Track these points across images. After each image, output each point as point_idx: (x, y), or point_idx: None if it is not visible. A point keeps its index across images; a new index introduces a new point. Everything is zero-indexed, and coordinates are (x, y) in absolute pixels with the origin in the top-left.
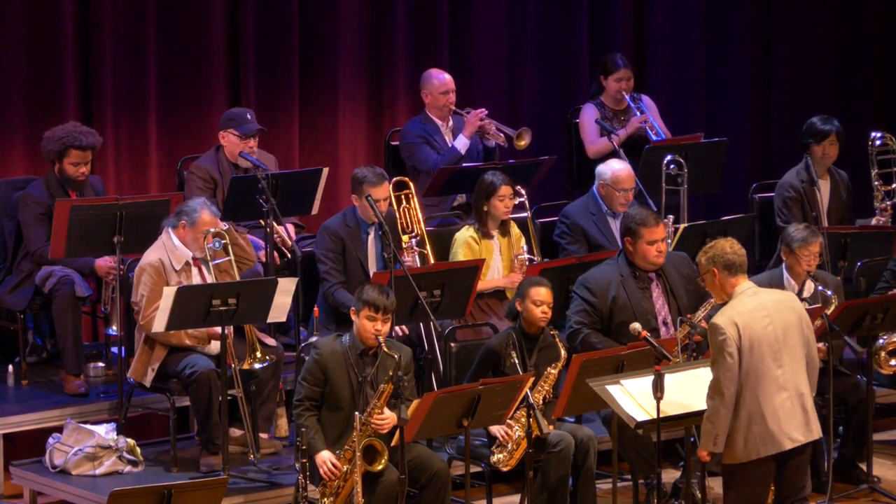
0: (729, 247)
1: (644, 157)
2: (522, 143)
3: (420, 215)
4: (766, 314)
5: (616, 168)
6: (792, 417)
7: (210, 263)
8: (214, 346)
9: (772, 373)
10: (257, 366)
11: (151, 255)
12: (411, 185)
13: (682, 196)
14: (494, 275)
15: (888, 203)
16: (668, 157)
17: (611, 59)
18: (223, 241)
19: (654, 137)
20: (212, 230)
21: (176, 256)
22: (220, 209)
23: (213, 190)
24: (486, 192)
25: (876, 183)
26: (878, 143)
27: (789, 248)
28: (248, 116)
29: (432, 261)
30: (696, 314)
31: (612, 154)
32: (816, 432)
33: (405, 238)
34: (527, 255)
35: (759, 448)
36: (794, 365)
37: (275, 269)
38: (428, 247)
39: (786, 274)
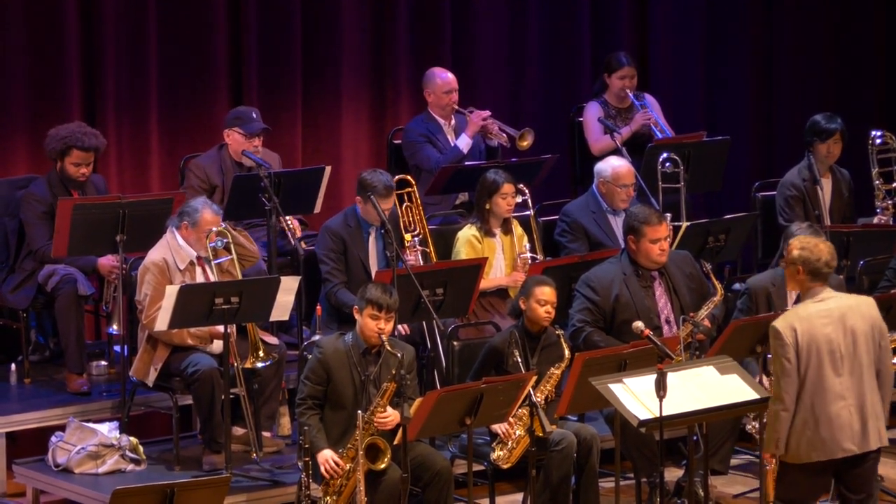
0: (826, 256)
1: (646, 155)
2: (525, 143)
3: (422, 214)
4: (829, 320)
5: (616, 165)
6: (847, 427)
7: (212, 262)
8: (216, 346)
9: (830, 380)
10: (259, 364)
11: (155, 255)
12: (413, 183)
13: (680, 194)
14: (497, 273)
15: (889, 202)
16: (664, 156)
17: (614, 57)
18: (225, 240)
19: (659, 135)
20: (214, 229)
21: (180, 256)
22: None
23: (208, 191)
24: (489, 190)
25: (877, 182)
26: (878, 141)
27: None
28: (254, 115)
29: (435, 259)
30: (699, 313)
31: (616, 152)
32: (875, 442)
33: (407, 237)
34: (529, 254)
35: (811, 453)
36: (858, 373)
37: (277, 267)
38: (430, 245)
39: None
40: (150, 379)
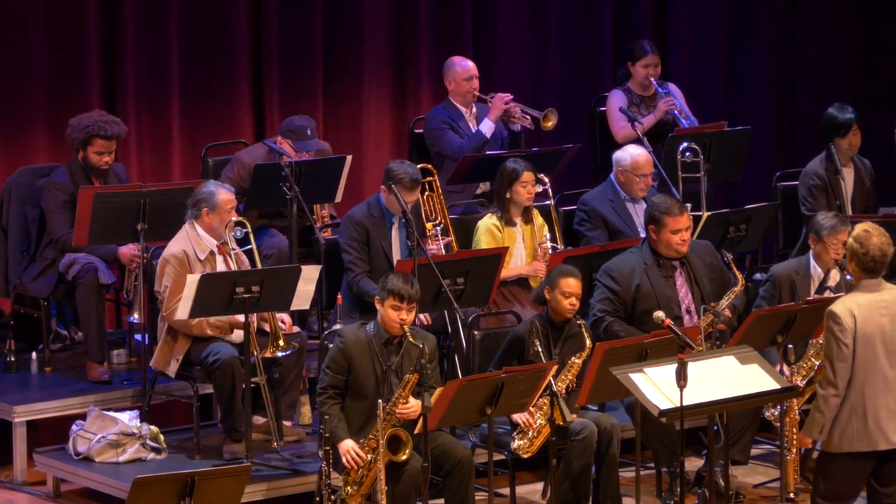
0: (874, 250)
1: (667, 144)
2: (549, 123)
3: (444, 203)
4: (886, 311)
5: (634, 153)
6: (893, 419)
7: (233, 252)
8: (237, 336)
9: (883, 371)
10: (280, 354)
11: (175, 247)
12: (435, 172)
13: (700, 184)
14: (517, 262)
15: None
16: (684, 145)
17: (638, 46)
18: (245, 230)
19: (685, 122)
20: (234, 219)
21: (200, 246)
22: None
23: (236, 189)
24: (509, 178)
25: None
26: None
27: (818, 235)
28: (309, 133)
29: (456, 248)
30: (720, 303)
31: (639, 140)
32: None
33: (429, 226)
34: (550, 244)
35: (854, 443)
36: None
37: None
38: (452, 234)
39: (812, 262)
40: (172, 370)
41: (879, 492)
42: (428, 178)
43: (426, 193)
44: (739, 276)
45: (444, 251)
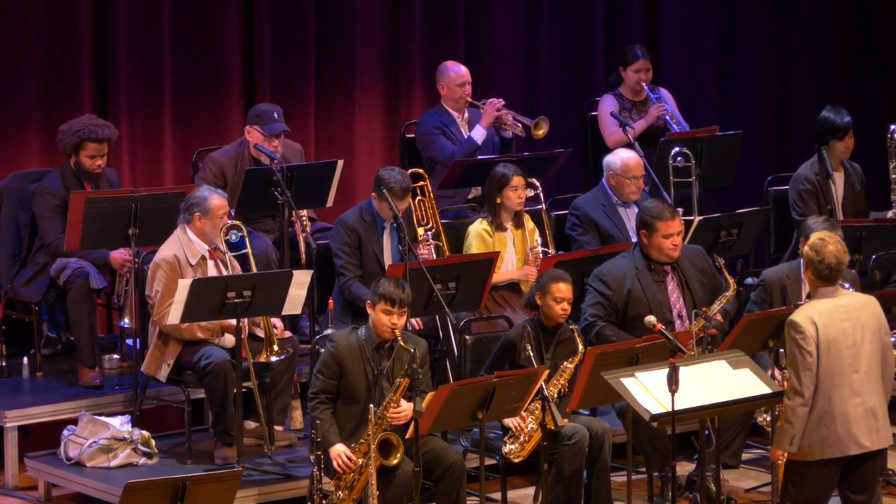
0: (829, 258)
1: (659, 149)
2: (540, 132)
3: (435, 208)
4: (846, 317)
5: (625, 157)
6: (863, 423)
7: (228, 254)
8: (228, 340)
9: (848, 376)
10: (273, 359)
11: (166, 251)
12: (426, 177)
13: (692, 189)
14: (508, 267)
15: None
16: (675, 150)
17: (630, 50)
18: (240, 234)
19: (676, 128)
20: (229, 222)
21: (192, 251)
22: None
23: (222, 186)
24: (499, 183)
25: (893, 176)
26: None
27: (808, 239)
28: (276, 115)
29: (448, 253)
30: (712, 307)
31: (631, 145)
32: (885, 440)
33: (420, 230)
34: (541, 248)
35: (825, 449)
36: (871, 370)
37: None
38: (443, 239)
39: (803, 266)
40: (163, 374)
41: (853, 499)
42: (419, 183)
43: (417, 198)
44: (731, 280)
45: (435, 256)
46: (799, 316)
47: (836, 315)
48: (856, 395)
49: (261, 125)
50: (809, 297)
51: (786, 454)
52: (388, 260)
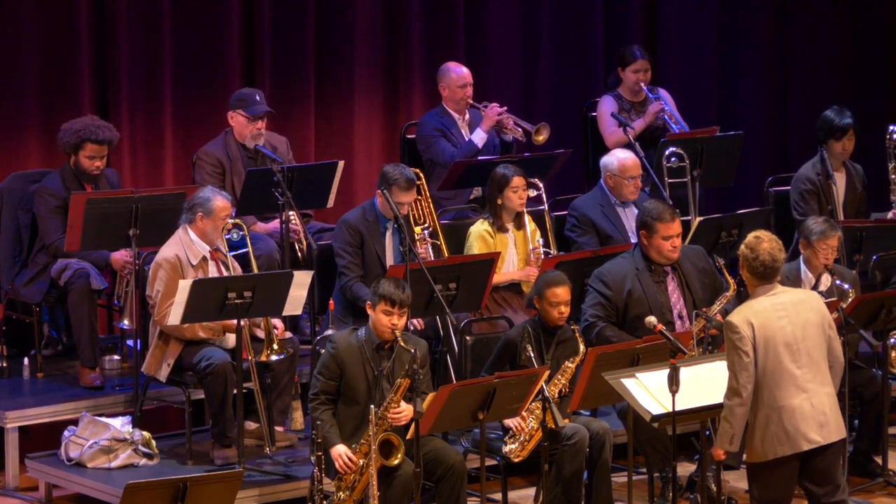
0: (768, 255)
1: (659, 150)
2: (541, 138)
3: (432, 207)
4: (784, 314)
5: (622, 157)
6: (810, 418)
7: (229, 255)
8: (229, 339)
9: (790, 373)
10: (274, 358)
11: (168, 251)
12: (422, 176)
13: (687, 189)
14: (509, 268)
15: None
16: (669, 151)
17: (628, 51)
18: (241, 233)
19: (675, 127)
20: (231, 220)
21: (193, 252)
22: (230, 193)
23: (221, 175)
24: (500, 184)
25: (893, 176)
26: (895, 136)
27: (807, 240)
28: (258, 98)
29: (446, 253)
30: (712, 308)
31: (631, 146)
32: (836, 433)
33: (417, 230)
34: (542, 249)
35: (776, 448)
36: (815, 365)
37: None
38: (441, 238)
39: (803, 267)
40: (163, 374)
41: (816, 492)
42: (417, 182)
43: (415, 197)
44: (731, 281)
45: (432, 255)
46: (735, 317)
47: (772, 313)
48: (800, 391)
49: (244, 108)
50: (820, 294)
51: (735, 458)
52: (390, 260)
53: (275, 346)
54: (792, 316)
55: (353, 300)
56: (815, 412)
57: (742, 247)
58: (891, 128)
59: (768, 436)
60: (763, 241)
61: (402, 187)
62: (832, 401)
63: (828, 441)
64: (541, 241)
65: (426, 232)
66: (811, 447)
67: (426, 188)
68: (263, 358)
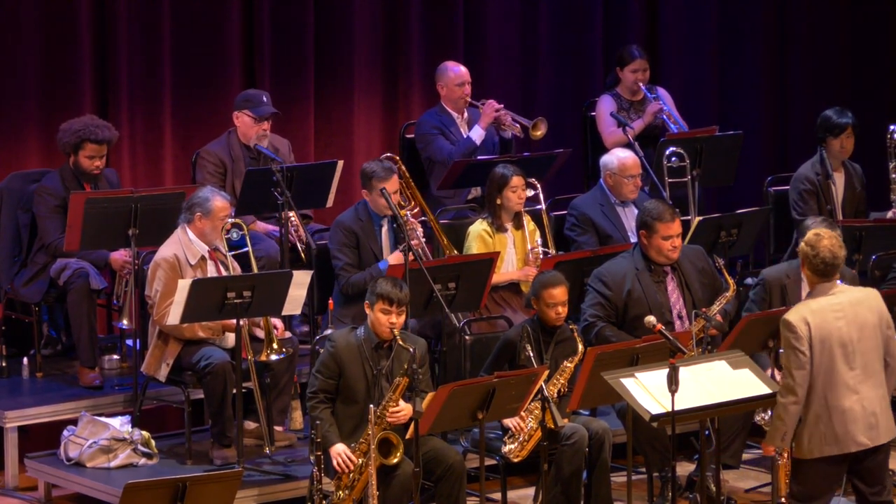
0: (824, 252)
1: (658, 149)
2: (538, 132)
3: (412, 185)
4: (842, 314)
5: (622, 156)
6: (860, 420)
7: (229, 255)
8: (229, 339)
9: (843, 374)
10: (274, 357)
11: (166, 251)
12: (398, 159)
13: (687, 189)
14: (508, 268)
15: None
16: (670, 150)
17: (626, 50)
18: (241, 232)
19: (674, 127)
20: (230, 220)
21: (191, 251)
22: (231, 193)
23: (222, 175)
24: (499, 184)
25: (893, 176)
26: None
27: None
28: (264, 99)
29: (444, 240)
30: (711, 308)
31: (630, 145)
32: (886, 435)
33: (402, 212)
34: (541, 248)
35: (823, 447)
36: (869, 366)
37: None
38: (429, 215)
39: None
40: (162, 374)
41: (867, 492)
42: (395, 167)
43: (398, 184)
44: (731, 281)
45: (419, 230)
46: (792, 315)
47: (829, 314)
48: (852, 393)
49: (250, 109)
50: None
51: (786, 452)
52: (386, 257)
53: (274, 346)
54: (850, 316)
55: (357, 292)
56: (866, 414)
57: (802, 244)
58: (891, 127)
59: (816, 435)
60: (823, 239)
61: (381, 177)
62: (884, 403)
63: (876, 443)
64: (539, 240)
65: (409, 213)
66: (859, 449)
67: (405, 171)
68: (263, 358)
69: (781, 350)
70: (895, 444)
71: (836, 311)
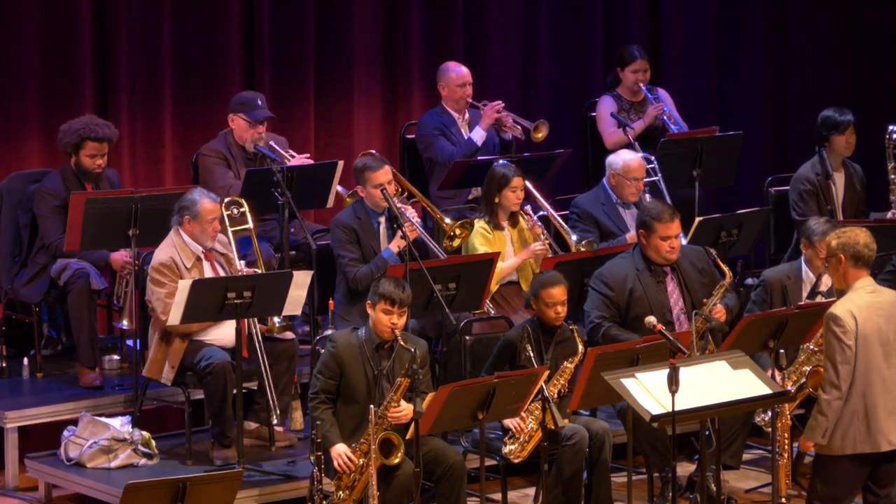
0: (863, 238)
1: (659, 150)
2: (540, 135)
3: (399, 174)
4: (883, 312)
5: (627, 158)
6: (892, 420)
7: (233, 242)
8: (227, 329)
9: (882, 372)
10: (277, 321)
11: (162, 254)
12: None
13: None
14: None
15: None
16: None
17: (627, 51)
18: (242, 209)
19: (674, 128)
20: (227, 199)
21: (186, 253)
22: (237, 176)
23: (226, 163)
24: (499, 183)
25: (892, 176)
26: (895, 136)
27: (809, 240)
28: (259, 102)
29: (433, 208)
30: (710, 300)
31: (630, 146)
32: None
33: (396, 200)
34: (542, 229)
35: (857, 445)
36: None
37: (289, 260)
38: (420, 196)
39: (804, 267)
40: (166, 377)
41: (876, 492)
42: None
43: (391, 175)
44: (727, 270)
45: (412, 212)
46: (839, 309)
47: (872, 310)
48: (887, 392)
49: (245, 112)
50: (810, 296)
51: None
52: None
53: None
54: (890, 315)
55: (366, 287)
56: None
57: (834, 242)
58: (890, 127)
59: (851, 431)
60: (855, 229)
61: (373, 168)
62: None
63: None
64: (541, 224)
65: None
66: (891, 448)
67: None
68: (269, 327)
69: (782, 350)
70: None
71: (877, 307)
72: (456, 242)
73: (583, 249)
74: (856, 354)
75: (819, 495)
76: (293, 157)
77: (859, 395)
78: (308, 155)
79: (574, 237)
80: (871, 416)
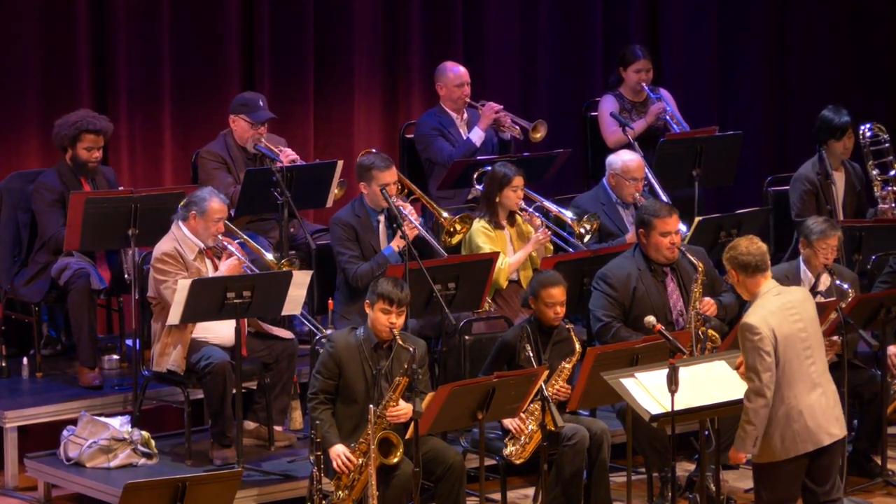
0: (743, 244)
1: (658, 150)
2: (538, 135)
3: (405, 181)
4: (795, 312)
5: (627, 158)
6: (829, 412)
7: (237, 235)
8: (227, 338)
9: (805, 369)
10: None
11: (165, 246)
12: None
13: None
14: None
15: (889, 189)
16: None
17: (630, 50)
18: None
19: (676, 128)
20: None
21: (188, 246)
22: (236, 181)
23: (226, 168)
24: (500, 182)
25: (874, 172)
26: (868, 134)
27: (808, 240)
28: (261, 103)
29: (434, 205)
30: (692, 295)
31: (630, 146)
32: (843, 429)
33: (396, 201)
34: (540, 218)
35: (798, 445)
36: (822, 360)
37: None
38: (418, 192)
39: (803, 266)
40: (178, 364)
41: (816, 491)
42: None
43: (396, 176)
44: (697, 263)
45: (406, 206)
46: (752, 318)
47: (785, 312)
48: (816, 387)
49: (247, 113)
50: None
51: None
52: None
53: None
54: (801, 313)
55: (366, 284)
56: (831, 405)
57: (724, 256)
58: (862, 127)
59: (790, 434)
60: (741, 240)
61: (380, 168)
62: (837, 395)
63: (843, 434)
64: (539, 216)
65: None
66: (832, 441)
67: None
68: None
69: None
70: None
71: (788, 308)
72: (455, 239)
73: (586, 227)
74: (778, 359)
75: (766, 502)
76: (282, 150)
77: (789, 397)
78: (293, 154)
79: (570, 216)
80: (806, 415)
